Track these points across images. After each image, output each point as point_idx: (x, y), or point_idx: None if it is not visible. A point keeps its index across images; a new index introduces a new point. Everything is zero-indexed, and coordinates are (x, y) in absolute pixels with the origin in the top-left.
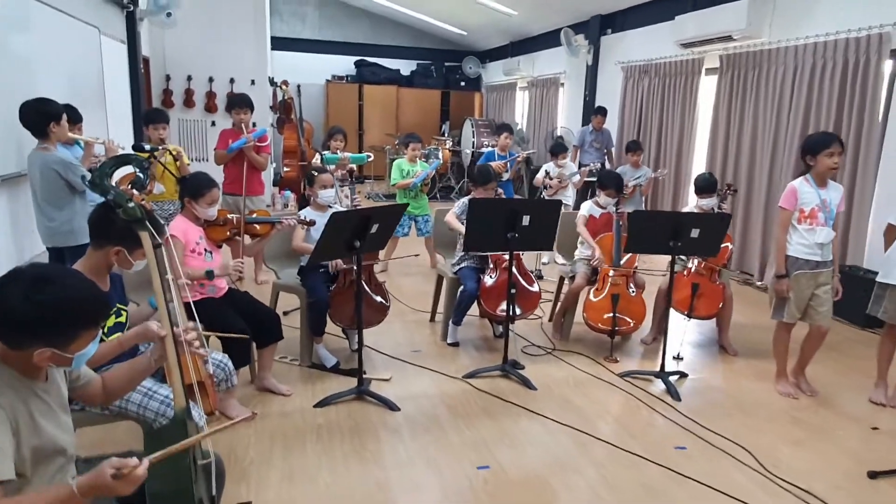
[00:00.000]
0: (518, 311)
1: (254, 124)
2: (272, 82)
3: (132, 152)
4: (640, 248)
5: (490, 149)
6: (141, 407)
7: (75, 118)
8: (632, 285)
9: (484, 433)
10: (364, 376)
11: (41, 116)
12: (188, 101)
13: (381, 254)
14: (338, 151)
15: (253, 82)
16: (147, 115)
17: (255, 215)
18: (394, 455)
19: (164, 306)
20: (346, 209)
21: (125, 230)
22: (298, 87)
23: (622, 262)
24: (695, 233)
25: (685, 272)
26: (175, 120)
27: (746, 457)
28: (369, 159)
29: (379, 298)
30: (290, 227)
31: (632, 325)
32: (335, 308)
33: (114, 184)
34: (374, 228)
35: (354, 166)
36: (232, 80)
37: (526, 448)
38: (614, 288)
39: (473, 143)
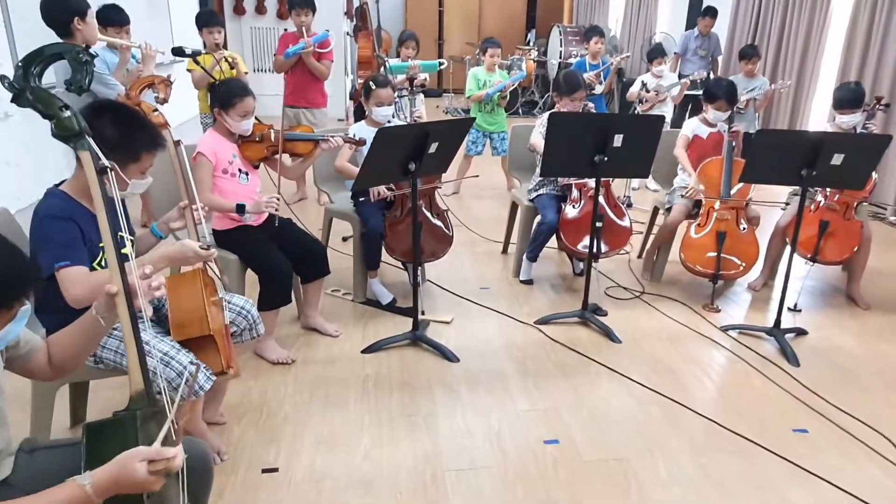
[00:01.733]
0: (604, 249)
1: (327, 31)
2: None
3: (76, 45)
4: (760, 176)
5: (580, 58)
6: None
7: (120, 20)
8: (742, 221)
9: (556, 397)
10: (422, 317)
11: (62, 10)
12: (259, 8)
13: (446, 177)
14: (408, 59)
15: None
16: (199, 18)
17: (298, 132)
18: (449, 421)
19: (113, 254)
20: (402, 123)
21: (116, 139)
22: None
23: (733, 193)
24: (837, 159)
25: (812, 206)
26: (247, 28)
27: (887, 447)
28: (442, 66)
29: (442, 226)
30: (336, 147)
31: (741, 268)
32: (391, 239)
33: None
34: (433, 147)
35: (426, 76)
36: None
37: (605, 419)
38: (721, 224)
39: (561, 52)
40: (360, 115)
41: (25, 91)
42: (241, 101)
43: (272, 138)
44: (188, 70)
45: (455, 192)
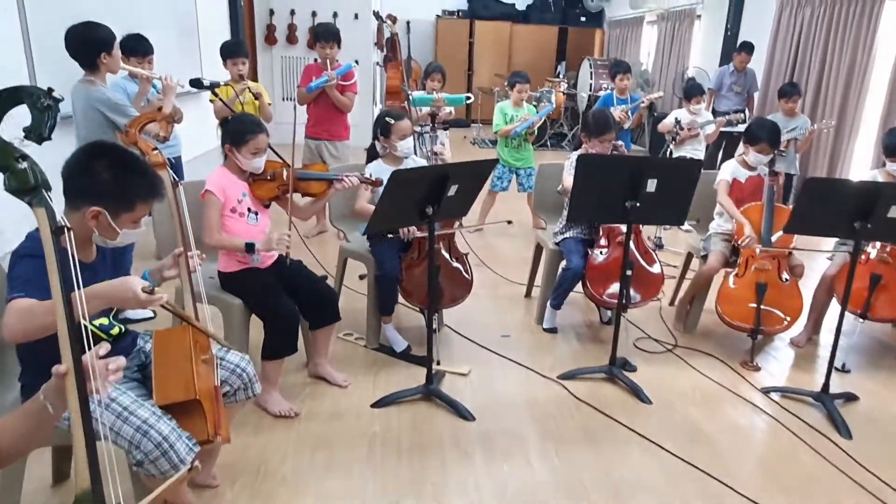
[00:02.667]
0: (633, 298)
1: (356, 62)
2: (377, 16)
3: (37, 87)
4: (807, 228)
5: (608, 92)
6: (113, 432)
7: (143, 50)
8: (785, 271)
9: (579, 467)
10: (437, 368)
11: (89, 45)
12: (291, 38)
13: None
14: (434, 92)
15: (356, 16)
16: (224, 49)
17: (311, 171)
18: (460, 493)
19: (65, 325)
20: (426, 163)
21: (112, 185)
22: (408, 23)
23: (774, 240)
24: (894, 211)
25: (862, 258)
26: (278, 58)
27: None
28: (468, 101)
29: (461, 270)
30: (350, 187)
31: (785, 322)
32: (407, 283)
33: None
34: (453, 190)
35: (451, 110)
36: (335, 15)
37: (633, 495)
38: (761, 274)
39: (591, 85)
40: (372, 155)
41: None
42: (253, 139)
43: (284, 177)
44: (211, 101)
45: (478, 229)
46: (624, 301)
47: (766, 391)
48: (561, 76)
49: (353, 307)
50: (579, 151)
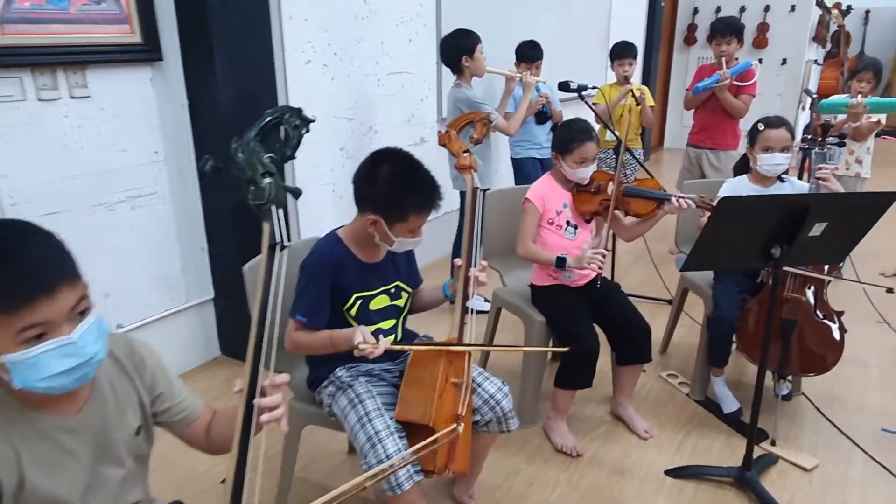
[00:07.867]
0: None
1: (758, 62)
2: (822, 6)
3: (291, 106)
4: None
5: None
6: (352, 433)
7: (532, 56)
8: None
9: None
10: (768, 449)
11: (452, 52)
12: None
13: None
14: (858, 95)
15: (793, 8)
16: (612, 50)
17: (642, 186)
18: None
19: (252, 347)
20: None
21: (385, 194)
22: (866, 13)
23: None
24: None
25: None
26: (694, 59)
27: None
28: None
29: (829, 329)
30: (681, 209)
31: None
32: (745, 334)
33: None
34: (817, 229)
35: (878, 118)
36: (767, 8)
37: None
38: None
39: None
40: (740, 170)
41: (237, 157)
42: (579, 147)
43: (609, 191)
44: (593, 104)
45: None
46: None
47: None
48: None
49: (690, 344)
50: None
